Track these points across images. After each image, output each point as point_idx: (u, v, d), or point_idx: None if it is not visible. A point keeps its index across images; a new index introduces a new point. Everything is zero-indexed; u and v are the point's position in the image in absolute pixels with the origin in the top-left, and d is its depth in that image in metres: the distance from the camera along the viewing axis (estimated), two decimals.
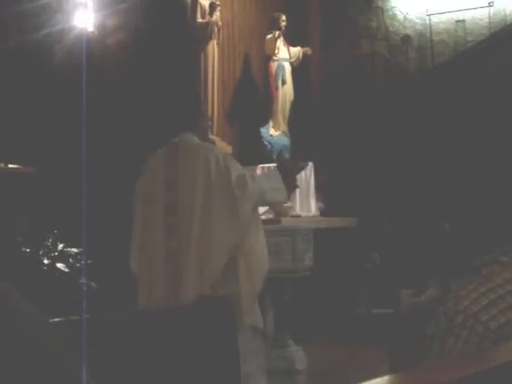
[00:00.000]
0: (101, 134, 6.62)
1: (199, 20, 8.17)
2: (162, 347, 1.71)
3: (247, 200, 4.00)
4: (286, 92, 8.94)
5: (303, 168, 4.74)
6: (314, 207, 8.52)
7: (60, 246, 5.73)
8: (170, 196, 4.03)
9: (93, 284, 5.59)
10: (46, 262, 5.58)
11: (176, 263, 3.94)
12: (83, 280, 5.54)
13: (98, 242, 5.51)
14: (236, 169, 4.07)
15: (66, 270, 5.62)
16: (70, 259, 5.70)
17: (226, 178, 3.98)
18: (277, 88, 8.88)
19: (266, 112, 8.94)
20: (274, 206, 6.39)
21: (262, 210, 4.81)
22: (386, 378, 1.11)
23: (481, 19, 8.93)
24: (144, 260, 4.07)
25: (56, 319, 1.41)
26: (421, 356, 1.61)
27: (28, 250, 5.55)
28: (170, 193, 4.03)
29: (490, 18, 8.82)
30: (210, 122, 4.44)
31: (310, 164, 8.67)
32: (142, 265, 4.07)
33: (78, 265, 5.69)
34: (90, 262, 5.71)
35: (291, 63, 9.00)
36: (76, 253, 5.74)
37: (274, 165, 8.28)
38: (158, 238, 4.01)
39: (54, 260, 5.63)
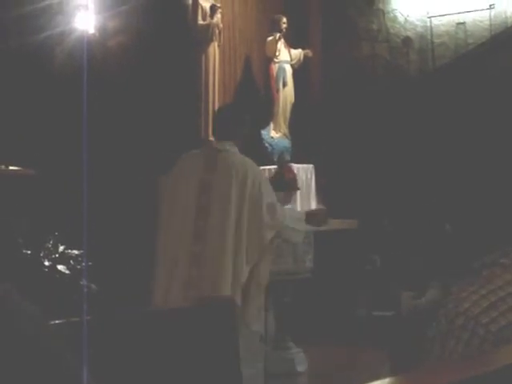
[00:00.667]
0: (101, 136, 6.62)
1: (200, 22, 8.17)
2: (163, 348, 1.71)
3: (271, 228, 4.09)
4: (286, 94, 8.94)
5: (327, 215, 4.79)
6: None
7: (61, 248, 5.72)
8: (203, 199, 4.03)
9: (93, 286, 5.58)
10: (46, 263, 5.58)
11: (199, 269, 3.93)
12: (84, 282, 5.54)
13: (99, 244, 5.51)
14: (268, 196, 4.15)
15: (67, 271, 5.61)
16: (71, 261, 5.70)
17: (257, 203, 4.07)
18: (278, 90, 8.88)
19: (266, 114, 8.93)
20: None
21: None
22: (386, 380, 1.11)
23: (481, 21, 8.93)
24: (167, 260, 4.05)
25: (57, 321, 1.41)
26: (421, 358, 1.60)
27: (29, 251, 5.55)
28: (204, 196, 4.04)
29: (490, 20, 8.81)
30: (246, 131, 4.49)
31: (311, 166, 8.68)
32: (163, 264, 4.07)
33: (78, 267, 5.69)
34: (90, 263, 5.71)
35: (292, 65, 8.99)
36: (77, 255, 5.74)
37: (275, 167, 8.32)
38: (184, 238, 4.01)
39: (55, 262, 5.63)
